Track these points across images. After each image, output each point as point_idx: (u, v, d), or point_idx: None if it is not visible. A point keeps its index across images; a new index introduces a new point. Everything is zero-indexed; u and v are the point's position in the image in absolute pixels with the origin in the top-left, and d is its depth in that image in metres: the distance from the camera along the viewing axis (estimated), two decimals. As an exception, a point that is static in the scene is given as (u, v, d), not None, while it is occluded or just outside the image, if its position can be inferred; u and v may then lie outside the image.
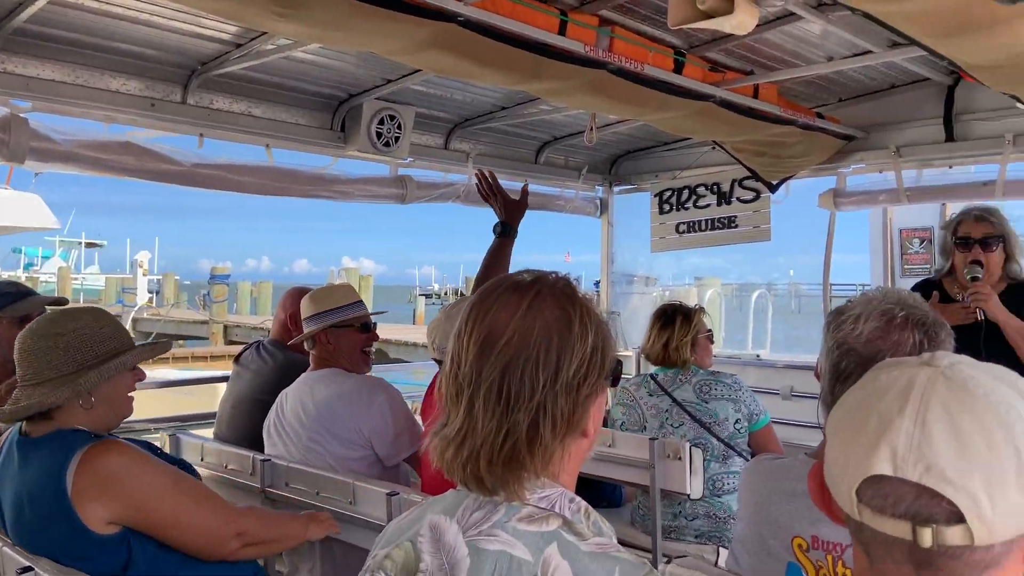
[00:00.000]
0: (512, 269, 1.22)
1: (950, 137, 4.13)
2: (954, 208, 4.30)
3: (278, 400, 2.92)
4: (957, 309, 3.06)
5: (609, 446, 3.19)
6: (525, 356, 1.07)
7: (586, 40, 2.85)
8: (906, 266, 4.92)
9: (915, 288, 3.55)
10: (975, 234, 3.15)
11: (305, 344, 2.95)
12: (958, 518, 0.80)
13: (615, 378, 1.18)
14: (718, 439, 3.15)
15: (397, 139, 3.94)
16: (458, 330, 1.14)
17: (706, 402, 3.19)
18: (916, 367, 0.89)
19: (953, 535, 0.81)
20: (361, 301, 3.07)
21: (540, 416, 1.07)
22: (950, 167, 4.27)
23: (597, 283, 6.12)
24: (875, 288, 1.63)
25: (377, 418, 2.75)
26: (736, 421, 3.17)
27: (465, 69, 2.86)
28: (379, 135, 3.89)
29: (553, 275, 1.17)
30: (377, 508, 2.31)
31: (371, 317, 3.03)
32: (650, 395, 3.31)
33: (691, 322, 3.35)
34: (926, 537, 0.81)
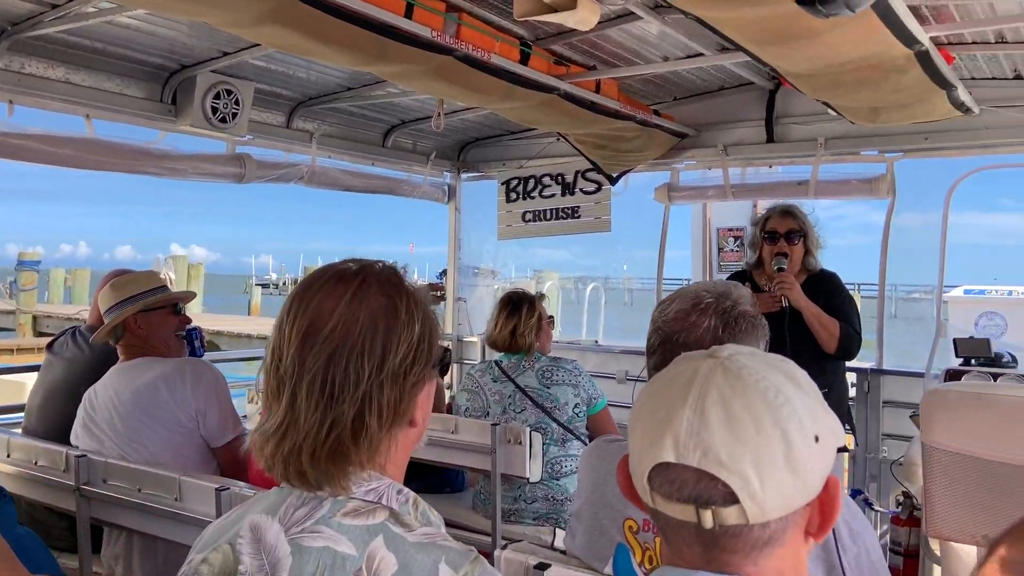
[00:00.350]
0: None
1: (771, 139, 4.45)
2: (763, 207, 4.66)
3: (86, 398, 2.70)
4: (765, 298, 3.35)
5: (452, 432, 3.20)
6: (350, 345, 1.05)
7: (433, 25, 2.82)
8: (722, 263, 5.29)
9: (728, 279, 3.83)
10: (781, 228, 3.48)
11: (110, 338, 2.75)
12: (733, 499, 0.85)
13: (443, 366, 1.18)
14: (558, 423, 3.24)
15: (235, 115, 3.75)
16: (279, 321, 1.10)
17: (548, 387, 3.26)
18: (701, 359, 0.94)
19: (730, 515, 0.86)
20: (167, 286, 2.93)
21: (366, 406, 1.05)
22: (770, 166, 4.60)
23: (441, 274, 6.13)
24: (713, 280, 1.74)
25: (203, 398, 2.64)
26: (575, 406, 3.26)
27: (307, 47, 2.75)
28: (214, 110, 3.68)
29: (379, 264, 1.15)
30: (206, 504, 2.19)
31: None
32: (494, 381, 3.35)
33: (535, 309, 3.43)
34: (707, 518, 0.86)
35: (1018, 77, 3.74)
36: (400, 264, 1.18)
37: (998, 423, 1.93)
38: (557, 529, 3.20)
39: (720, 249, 5.34)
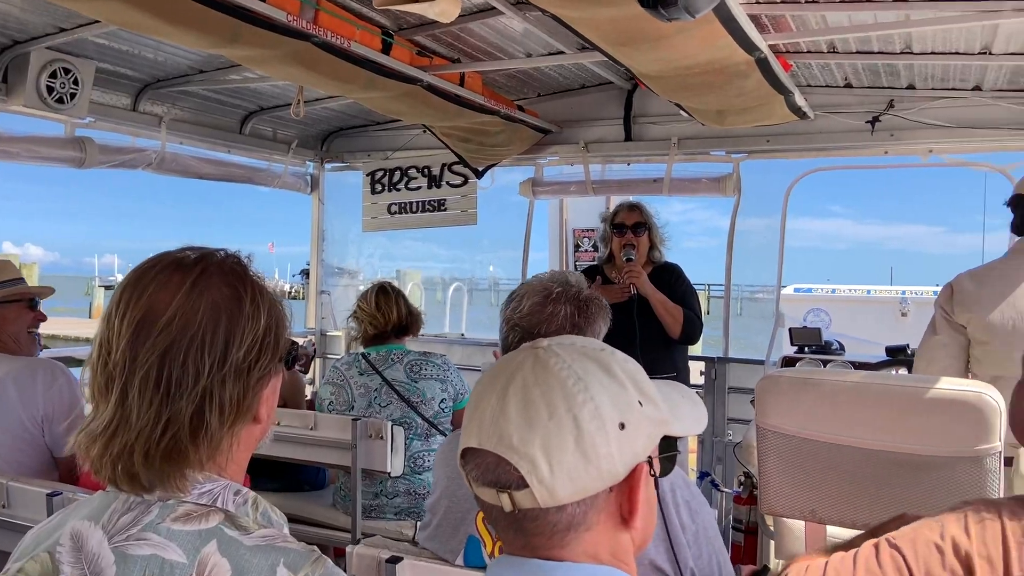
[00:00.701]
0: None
1: (629, 137, 4.61)
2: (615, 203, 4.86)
3: None
4: (616, 289, 3.55)
5: (311, 429, 3.13)
6: (189, 338, 0.99)
7: (289, 9, 2.74)
8: (577, 263, 5.48)
9: (582, 273, 3.98)
10: (628, 221, 3.69)
11: None
12: (525, 482, 0.88)
13: (292, 360, 1.14)
14: (423, 418, 3.21)
15: (73, 96, 3.50)
16: (108, 313, 1.03)
17: (415, 382, 3.21)
18: (525, 350, 0.97)
19: (523, 498, 0.89)
20: (23, 278, 2.72)
21: (206, 403, 0.99)
22: (628, 164, 4.76)
23: (303, 273, 5.99)
24: (545, 272, 1.79)
25: (53, 402, 2.48)
26: (442, 401, 3.23)
27: (152, 26, 2.61)
28: (50, 89, 3.42)
29: (221, 252, 1.08)
30: (36, 511, 2.05)
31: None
32: (361, 374, 3.27)
33: (405, 299, 3.39)
34: (506, 501, 0.90)
35: (848, 85, 4.05)
36: (245, 253, 1.12)
37: (822, 405, 2.08)
38: (418, 523, 3.19)
39: (576, 248, 5.52)
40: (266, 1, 2.65)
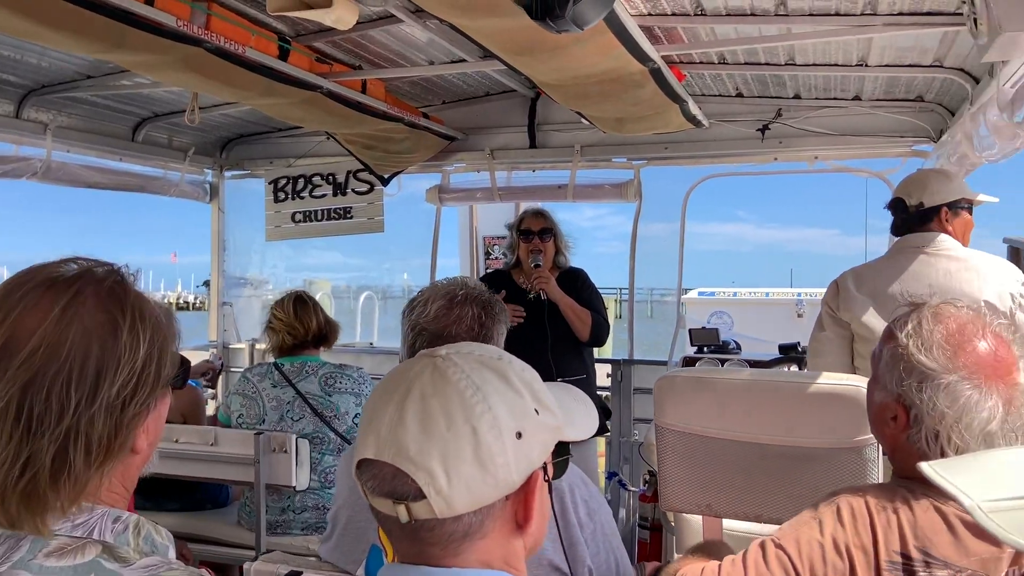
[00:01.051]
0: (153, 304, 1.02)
1: (533, 144, 4.68)
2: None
3: None
4: (524, 297, 3.61)
5: (212, 445, 3.04)
6: (55, 370, 0.90)
7: (178, 13, 2.66)
8: (488, 270, 5.52)
9: (485, 277, 4.03)
10: (535, 227, 3.73)
11: None
12: (422, 494, 0.88)
13: (183, 379, 1.08)
14: (336, 432, 3.15)
15: (-53, 102, 3.31)
16: None
17: (329, 395, 3.15)
18: (423, 359, 0.96)
19: (420, 509, 0.88)
20: None
21: (70, 442, 0.90)
22: (534, 170, 4.83)
23: (206, 283, 5.81)
24: (442, 279, 1.81)
25: None
26: (356, 415, 3.17)
27: (32, 31, 2.49)
28: (-79, 95, 3.23)
29: (103, 269, 0.99)
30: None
31: None
32: (274, 386, 3.18)
33: (323, 308, 3.35)
34: (403, 513, 0.89)
35: (739, 95, 4.23)
36: (132, 269, 1.03)
37: (715, 403, 2.16)
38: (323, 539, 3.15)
39: (487, 255, 5.56)
40: (154, 5, 2.57)
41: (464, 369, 0.93)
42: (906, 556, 1.28)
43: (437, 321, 1.65)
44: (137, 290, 1.01)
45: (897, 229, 2.90)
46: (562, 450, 1.03)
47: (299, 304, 3.27)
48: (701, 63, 3.64)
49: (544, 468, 0.97)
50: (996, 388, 1.32)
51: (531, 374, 1.00)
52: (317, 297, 3.53)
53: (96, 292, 0.96)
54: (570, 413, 1.08)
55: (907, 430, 1.38)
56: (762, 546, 1.37)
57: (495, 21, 2.33)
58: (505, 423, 0.91)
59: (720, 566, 1.38)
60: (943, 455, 1.32)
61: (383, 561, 1.57)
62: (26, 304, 0.93)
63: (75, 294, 0.94)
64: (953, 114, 3.77)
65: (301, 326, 3.23)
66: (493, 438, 0.89)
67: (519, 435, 0.91)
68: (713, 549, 1.59)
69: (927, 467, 0.72)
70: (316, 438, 3.12)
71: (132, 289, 1.00)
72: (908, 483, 1.37)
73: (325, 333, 3.29)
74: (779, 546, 1.35)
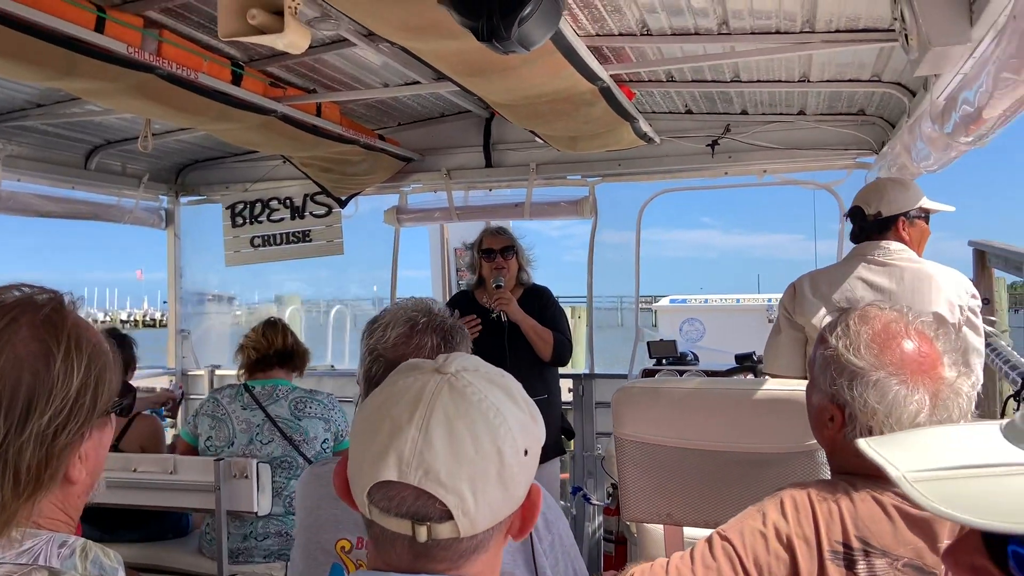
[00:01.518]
0: (74, 288, 1.00)
1: (489, 163, 4.73)
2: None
3: None
4: (487, 317, 3.60)
5: (171, 473, 3.01)
6: None
7: (129, 40, 2.66)
8: (460, 281, 5.53)
9: (451, 300, 4.02)
10: (496, 246, 3.73)
11: None
12: (449, 515, 0.88)
13: (126, 408, 1.07)
14: (304, 458, 3.12)
15: None
16: None
17: (299, 420, 3.13)
18: (429, 373, 0.95)
19: (443, 530, 0.89)
20: None
21: None
22: (490, 190, 4.88)
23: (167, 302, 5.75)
24: (407, 298, 1.79)
25: None
26: (324, 441, 3.17)
27: (-21, 59, 2.47)
28: None
29: (44, 296, 0.99)
30: None
31: None
32: (243, 408, 3.16)
33: (294, 333, 3.37)
34: (423, 534, 0.89)
35: (689, 112, 4.32)
36: (75, 296, 1.03)
37: (671, 412, 2.20)
38: (288, 564, 3.12)
39: (458, 269, 5.56)
40: (104, 32, 2.57)
41: (481, 388, 0.93)
42: (847, 546, 1.34)
43: (396, 349, 1.61)
44: (77, 318, 1.00)
45: (856, 237, 2.94)
46: None
47: (268, 326, 3.33)
48: (650, 81, 3.73)
49: None
50: (922, 383, 1.38)
51: (521, 388, 1.01)
52: (288, 311, 3.58)
53: (31, 321, 0.95)
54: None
55: (843, 428, 1.44)
56: (708, 540, 1.41)
57: (445, 43, 2.37)
58: (520, 443, 0.93)
59: (668, 562, 1.42)
60: None
61: (344, 578, 1.57)
62: None
63: (10, 322, 0.94)
64: (893, 126, 3.90)
65: (266, 341, 3.26)
66: (512, 458, 0.91)
67: (526, 452, 0.93)
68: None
69: (862, 442, 0.77)
70: (284, 462, 3.11)
71: (71, 317, 1.00)
72: (849, 477, 1.43)
73: (292, 352, 3.29)
74: (724, 538, 1.39)
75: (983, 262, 4.10)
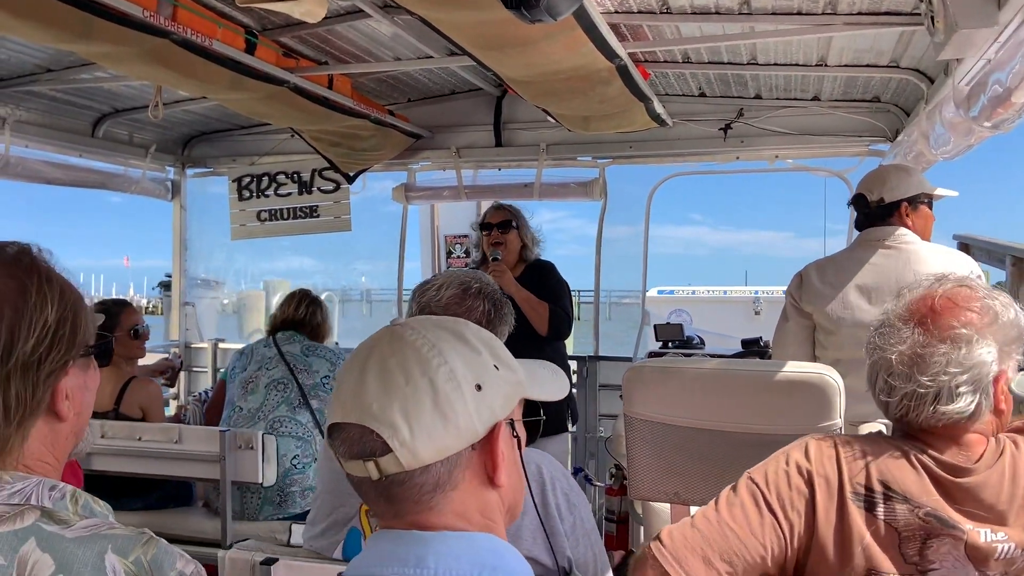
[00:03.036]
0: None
1: (499, 143, 4.70)
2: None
3: None
4: None
5: (176, 442, 3.01)
6: None
7: (145, 4, 2.64)
8: (450, 268, 5.52)
9: None
10: (494, 220, 3.76)
11: None
12: (388, 448, 0.91)
13: (104, 354, 1.10)
14: (298, 384, 3.36)
15: (-100, 93, 3.23)
16: None
17: (307, 356, 3.45)
18: (383, 329, 1.02)
19: (388, 464, 0.92)
20: None
21: None
22: (499, 169, 4.85)
23: (161, 285, 5.75)
24: (457, 268, 1.83)
25: None
26: (325, 376, 3.42)
27: (-4, 19, 2.45)
28: None
29: (11, 246, 1.04)
30: None
31: None
32: (265, 347, 3.52)
33: (307, 301, 3.69)
34: (373, 470, 0.92)
35: (702, 94, 4.30)
36: (46, 249, 1.08)
37: (682, 392, 2.20)
38: (293, 524, 3.14)
39: (448, 255, 5.56)
40: (120, -5, 2.54)
41: (420, 331, 0.98)
42: (869, 488, 1.39)
43: (447, 308, 1.66)
44: (45, 261, 1.06)
45: (860, 224, 2.96)
46: (531, 412, 1.08)
47: (289, 297, 3.73)
48: (665, 62, 3.70)
49: (512, 425, 1.01)
50: (921, 324, 1.42)
51: (489, 335, 1.04)
52: (277, 297, 3.77)
53: (3, 262, 1.01)
54: (535, 374, 1.14)
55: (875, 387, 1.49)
56: (733, 484, 1.47)
57: (467, 14, 2.35)
58: (463, 375, 0.95)
59: (693, 515, 1.45)
60: (891, 394, 1.44)
61: (360, 543, 1.58)
62: None
63: None
64: (908, 114, 3.88)
65: (285, 308, 3.67)
66: (451, 388, 0.94)
67: (479, 387, 0.96)
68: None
69: None
70: (281, 384, 3.38)
71: (40, 260, 1.05)
72: (877, 436, 1.49)
73: (302, 321, 3.60)
74: (749, 478, 1.46)
75: (967, 255, 4.10)
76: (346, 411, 0.94)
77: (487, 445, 0.97)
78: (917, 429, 1.42)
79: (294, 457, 3.27)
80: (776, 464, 1.46)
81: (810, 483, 1.40)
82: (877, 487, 1.38)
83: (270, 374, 3.39)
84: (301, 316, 3.61)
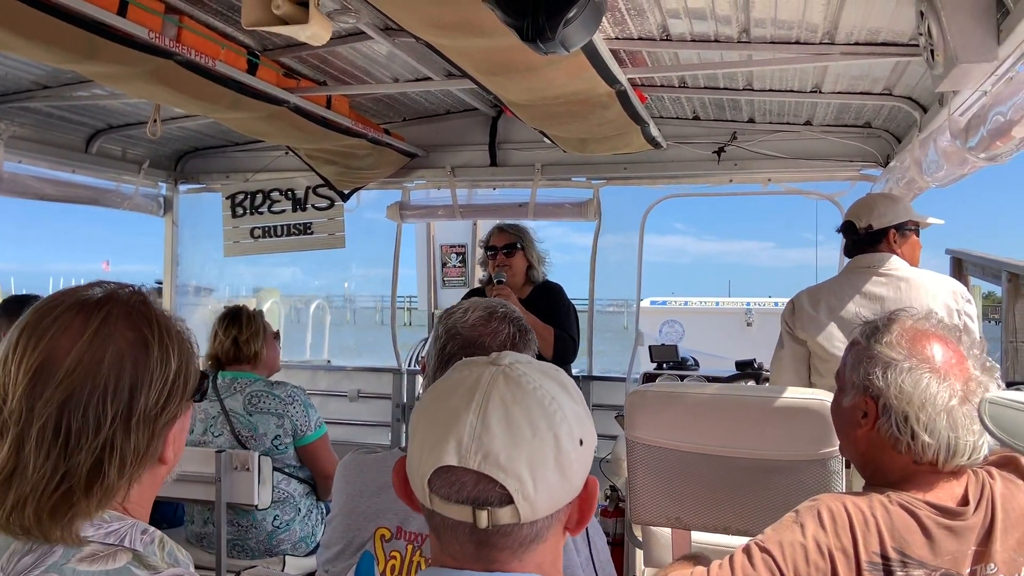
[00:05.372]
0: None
1: (494, 162, 4.72)
2: (482, 226, 4.98)
3: None
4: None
5: (170, 462, 2.98)
6: (91, 388, 0.95)
7: (150, 25, 2.64)
8: (445, 278, 5.52)
9: (467, 296, 4.03)
10: (499, 244, 3.76)
11: None
12: (508, 499, 0.90)
13: (202, 392, 1.11)
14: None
15: None
16: (3, 357, 0.98)
17: (250, 415, 3.07)
18: (483, 366, 0.98)
19: (504, 515, 0.90)
20: None
21: (106, 455, 0.96)
22: (494, 188, 4.87)
23: (156, 291, 5.70)
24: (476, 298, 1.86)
25: None
26: (275, 437, 3.07)
27: (1, 39, 2.44)
28: None
29: (127, 290, 1.05)
30: None
31: None
32: (209, 403, 3.13)
33: (255, 319, 3.27)
34: (483, 519, 0.90)
35: (696, 118, 4.35)
36: (148, 286, 1.10)
37: (684, 417, 2.22)
38: (287, 557, 3.11)
39: (444, 265, 5.55)
40: (126, 17, 2.55)
41: (535, 378, 0.96)
42: (885, 557, 1.36)
43: (474, 329, 1.67)
44: (160, 308, 1.07)
45: (849, 251, 3.01)
46: None
47: (228, 318, 3.25)
48: (662, 86, 3.74)
49: None
50: (952, 374, 1.43)
51: (575, 384, 1.04)
52: (267, 305, 3.53)
53: (125, 312, 1.02)
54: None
55: (877, 421, 1.46)
56: (747, 550, 1.42)
57: (474, 41, 2.37)
58: (576, 431, 0.95)
59: (708, 570, 1.43)
60: (914, 439, 1.41)
61: (373, 568, 1.58)
62: (59, 326, 0.98)
63: (106, 316, 1.00)
64: (900, 140, 3.94)
65: (229, 339, 3.21)
66: (569, 444, 0.93)
67: (581, 442, 0.96)
68: (700, 559, 1.63)
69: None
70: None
71: (155, 308, 1.06)
72: (881, 489, 1.45)
73: (256, 350, 3.22)
74: (763, 549, 1.41)
75: (960, 270, 4.16)
76: (464, 455, 0.90)
77: (584, 498, 0.98)
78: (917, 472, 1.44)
79: (274, 519, 3.12)
80: (792, 535, 1.41)
81: (830, 559, 1.37)
82: (893, 555, 1.36)
83: (217, 442, 3.08)
84: (235, 352, 3.19)
